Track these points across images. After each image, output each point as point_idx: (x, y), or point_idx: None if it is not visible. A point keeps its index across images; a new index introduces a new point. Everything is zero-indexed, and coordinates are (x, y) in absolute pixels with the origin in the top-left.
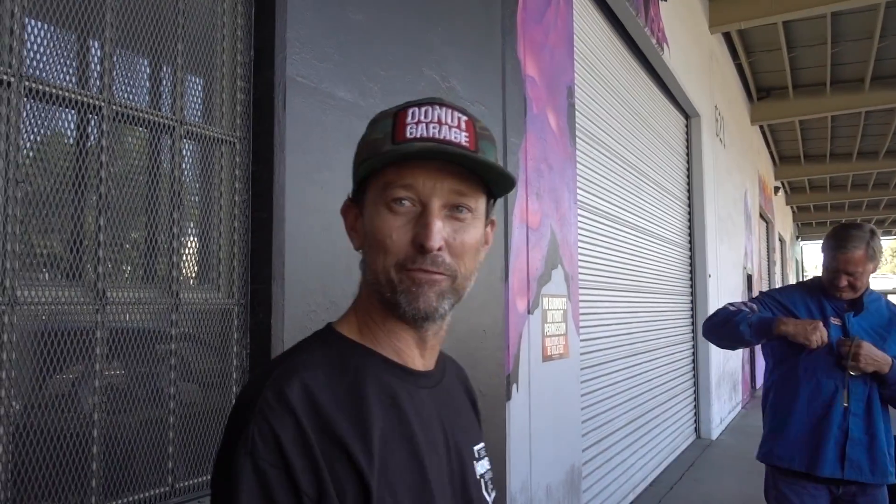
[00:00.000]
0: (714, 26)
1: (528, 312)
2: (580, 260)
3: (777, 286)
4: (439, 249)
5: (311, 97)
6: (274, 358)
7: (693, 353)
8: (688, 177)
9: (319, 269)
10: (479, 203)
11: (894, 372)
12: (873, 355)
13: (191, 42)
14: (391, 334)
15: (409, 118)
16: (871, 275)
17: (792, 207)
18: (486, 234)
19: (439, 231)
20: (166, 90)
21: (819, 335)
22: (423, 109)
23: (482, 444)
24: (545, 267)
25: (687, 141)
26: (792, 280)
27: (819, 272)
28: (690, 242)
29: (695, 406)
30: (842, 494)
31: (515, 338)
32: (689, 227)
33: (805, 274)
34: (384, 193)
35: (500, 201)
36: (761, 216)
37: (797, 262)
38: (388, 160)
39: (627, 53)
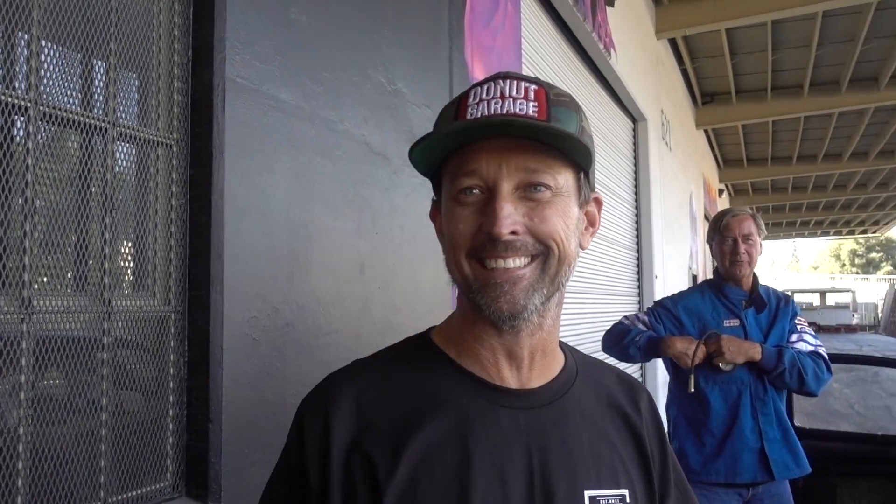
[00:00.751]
0: (660, 32)
1: None
2: None
3: None
4: (514, 233)
5: (252, 99)
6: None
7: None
8: (635, 180)
9: (260, 275)
10: (563, 178)
11: (766, 356)
12: (736, 346)
13: (125, 40)
14: (478, 341)
15: (470, 99)
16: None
17: None
18: (587, 215)
19: (509, 215)
20: (98, 90)
21: (685, 360)
22: (485, 86)
23: (609, 492)
24: None
25: (634, 144)
26: None
27: (762, 272)
28: (638, 244)
29: None
30: (751, 496)
31: None
32: (637, 230)
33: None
34: (451, 186)
35: None
36: (706, 218)
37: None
38: (436, 146)
39: (575, 58)
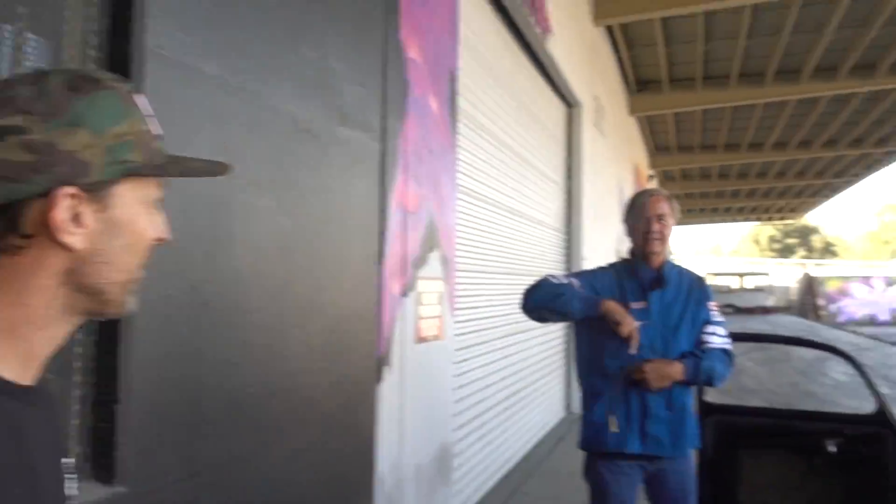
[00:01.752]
0: (597, 19)
1: (403, 295)
2: (459, 243)
3: None
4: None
5: (174, 71)
6: None
7: (565, 331)
8: (568, 164)
9: (177, 252)
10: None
11: (689, 375)
12: (661, 374)
13: (34, 4)
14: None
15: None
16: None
17: None
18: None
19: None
20: (4, 57)
21: (629, 330)
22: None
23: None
24: (422, 250)
25: (568, 129)
26: None
27: (685, 257)
28: (568, 227)
29: (566, 383)
30: (653, 470)
31: (389, 320)
32: (568, 212)
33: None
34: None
35: (375, 184)
36: None
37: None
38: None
39: (512, 41)
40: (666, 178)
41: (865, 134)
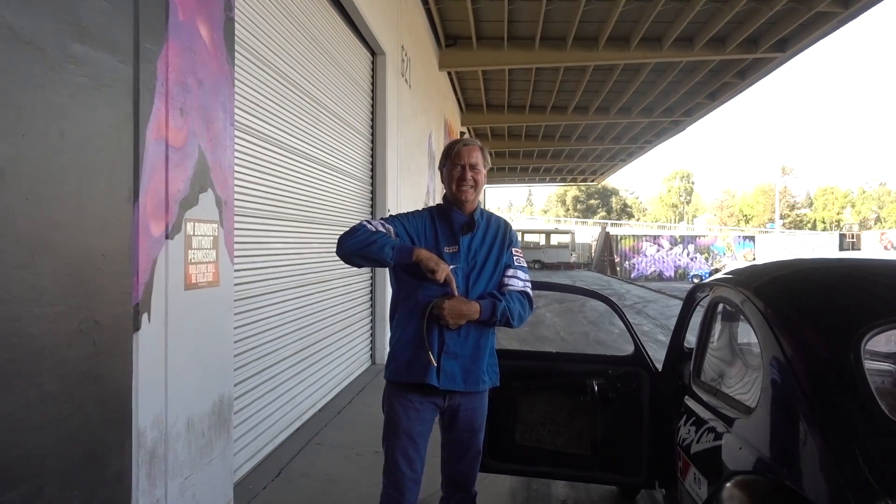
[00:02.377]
0: None
1: (167, 237)
2: (241, 186)
3: None
4: None
5: None
6: None
7: (371, 283)
8: (372, 114)
9: None
10: None
11: (486, 314)
12: (458, 311)
13: None
14: None
15: None
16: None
17: None
18: None
19: None
20: None
21: (444, 275)
22: None
23: None
24: (191, 190)
25: (372, 78)
26: None
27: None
28: (372, 178)
29: (371, 334)
30: (447, 406)
31: (148, 264)
32: (372, 163)
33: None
34: None
35: (128, 112)
36: None
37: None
38: None
39: None
40: (477, 135)
41: (654, 103)
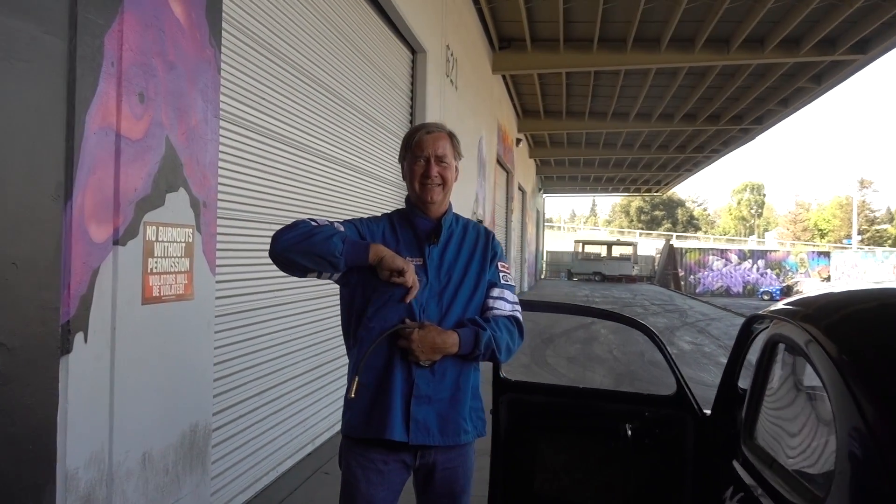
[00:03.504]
0: None
1: (117, 243)
2: (234, 187)
3: (514, 232)
4: None
5: None
6: None
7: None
8: (411, 114)
9: None
10: None
11: (466, 348)
12: (430, 345)
13: None
14: None
15: None
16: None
17: (536, 161)
18: None
19: None
20: None
21: (413, 279)
22: None
23: None
24: (154, 188)
25: (412, 77)
26: (531, 230)
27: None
28: None
29: None
30: (419, 466)
31: (85, 274)
32: None
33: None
34: None
35: (59, 94)
36: (500, 165)
37: (538, 212)
38: None
39: None
40: (535, 142)
41: (721, 109)
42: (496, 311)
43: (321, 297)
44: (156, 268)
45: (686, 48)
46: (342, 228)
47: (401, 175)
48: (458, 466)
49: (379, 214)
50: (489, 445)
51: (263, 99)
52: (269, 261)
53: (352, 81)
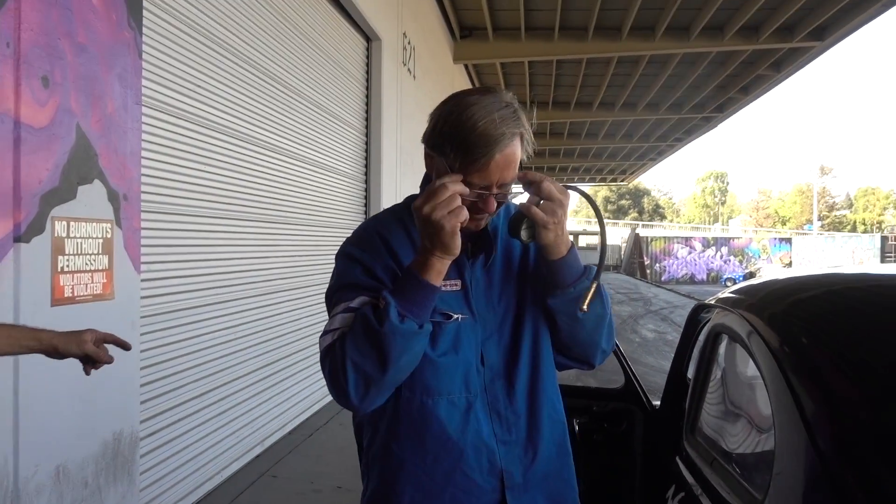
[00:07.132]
0: None
1: (18, 240)
2: (165, 179)
3: None
4: None
5: None
6: None
7: None
8: (366, 105)
9: None
10: None
11: (574, 265)
12: (554, 205)
13: None
14: None
15: None
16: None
17: None
18: None
19: None
20: None
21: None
22: None
23: None
24: (63, 180)
25: (367, 66)
26: None
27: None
28: (366, 176)
29: None
30: None
31: None
32: (366, 160)
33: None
34: None
35: None
36: None
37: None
38: None
39: None
40: None
41: (683, 98)
42: None
43: (267, 293)
44: (67, 266)
45: (647, 37)
46: (364, 298)
47: (363, 167)
48: None
49: (380, 215)
50: None
51: (196, 85)
52: (206, 256)
53: (299, 69)
